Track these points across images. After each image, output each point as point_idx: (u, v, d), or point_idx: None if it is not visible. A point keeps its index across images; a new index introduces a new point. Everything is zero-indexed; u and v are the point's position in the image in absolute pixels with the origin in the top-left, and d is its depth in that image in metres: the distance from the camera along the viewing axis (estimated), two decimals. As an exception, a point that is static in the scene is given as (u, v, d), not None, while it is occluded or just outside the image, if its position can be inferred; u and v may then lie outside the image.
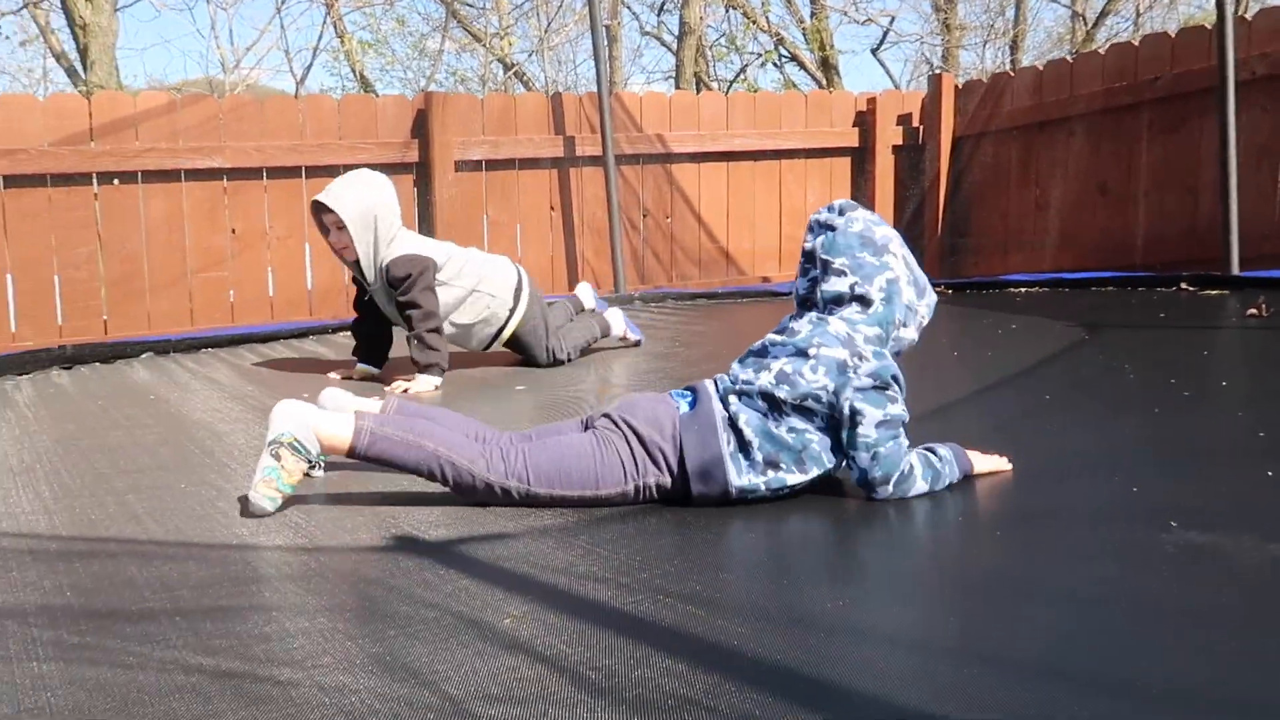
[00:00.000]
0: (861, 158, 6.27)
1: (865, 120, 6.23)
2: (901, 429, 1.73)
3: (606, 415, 1.79)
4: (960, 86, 6.21)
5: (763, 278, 6.11)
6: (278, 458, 1.71)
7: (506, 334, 3.33)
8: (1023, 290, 4.96)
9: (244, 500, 1.75)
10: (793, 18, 11.01)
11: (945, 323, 4.39)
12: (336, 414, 1.78)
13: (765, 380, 1.72)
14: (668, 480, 1.72)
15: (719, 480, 1.69)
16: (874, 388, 1.70)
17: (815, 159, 6.21)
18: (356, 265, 3.14)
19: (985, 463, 1.87)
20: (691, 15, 9.37)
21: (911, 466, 1.72)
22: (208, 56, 20.27)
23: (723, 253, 6.05)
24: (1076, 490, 1.78)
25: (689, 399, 1.80)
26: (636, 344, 3.81)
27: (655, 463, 1.72)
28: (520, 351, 3.41)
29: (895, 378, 1.73)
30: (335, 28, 10.63)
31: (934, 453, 1.79)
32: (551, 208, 5.65)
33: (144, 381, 3.32)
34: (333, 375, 3.30)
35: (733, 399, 1.73)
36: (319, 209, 3.11)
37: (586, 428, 1.83)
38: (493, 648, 1.17)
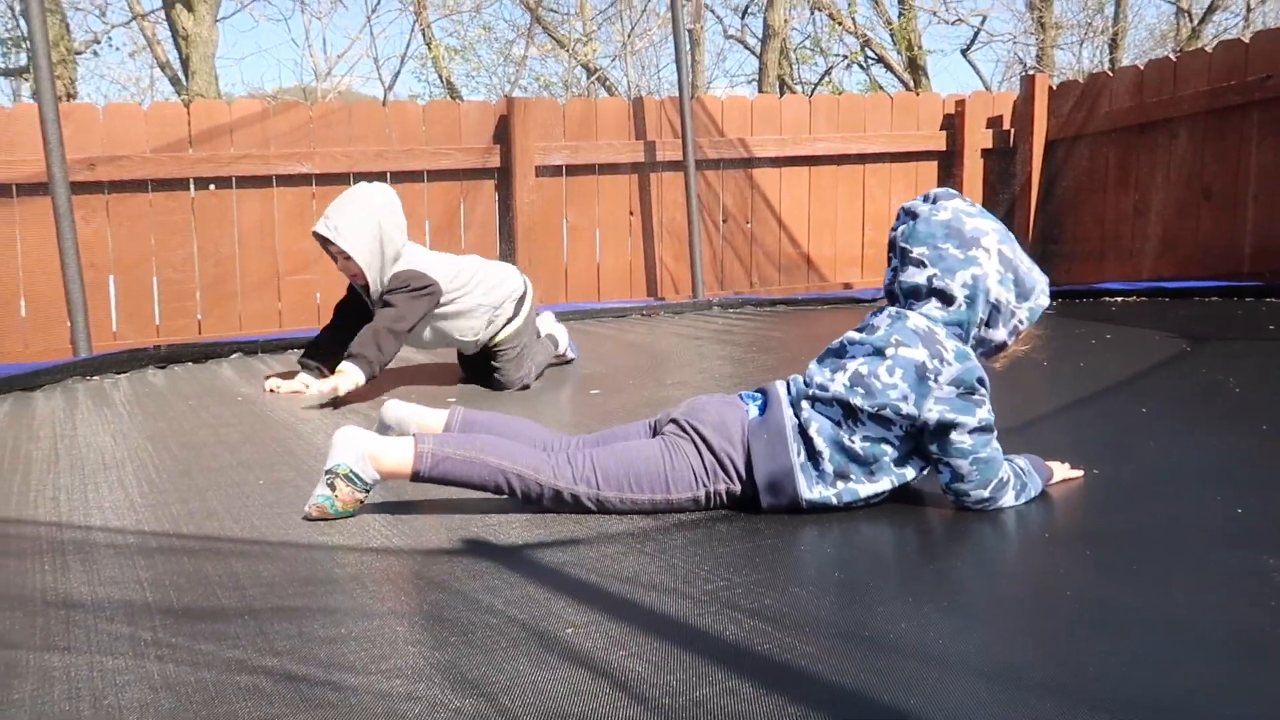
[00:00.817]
0: (949, 161, 6.12)
1: (953, 123, 6.07)
2: (993, 434, 1.65)
3: (674, 420, 1.76)
4: (1055, 87, 6.00)
5: (844, 284, 6.00)
6: (332, 487, 1.71)
7: (495, 340, 3.14)
8: (1119, 299, 4.76)
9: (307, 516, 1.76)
10: (880, 19, 10.83)
11: (1034, 331, 4.24)
12: (397, 440, 1.74)
13: (840, 384, 1.65)
14: (737, 487, 1.68)
15: (788, 492, 1.64)
16: (960, 395, 1.62)
17: (900, 163, 6.07)
18: (365, 288, 3.04)
19: (1060, 472, 1.79)
20: (776, 18, 9.28)
21: (1007, 474, 1.65)
22: (302, 65, 20.96)
23: (804, 258, 5.97)
24: (1175, 510, 1.67)
25: (759, 401, 1.75)
26: (569, 361, 3.60)
27: (724, 470, 1.68)
28: (494, 363, 3.13)
29: (981, 380, 1.65)
30: (423, 35, 10.86)
31: (1015, 463, 1.71)
32: (631, 212, 5.65)
33: (232, 381, 3.42)
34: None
35: (804, 405, 1.68)
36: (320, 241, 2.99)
37: (655, 432, 1.80)
38: (553, 658, 1.15)
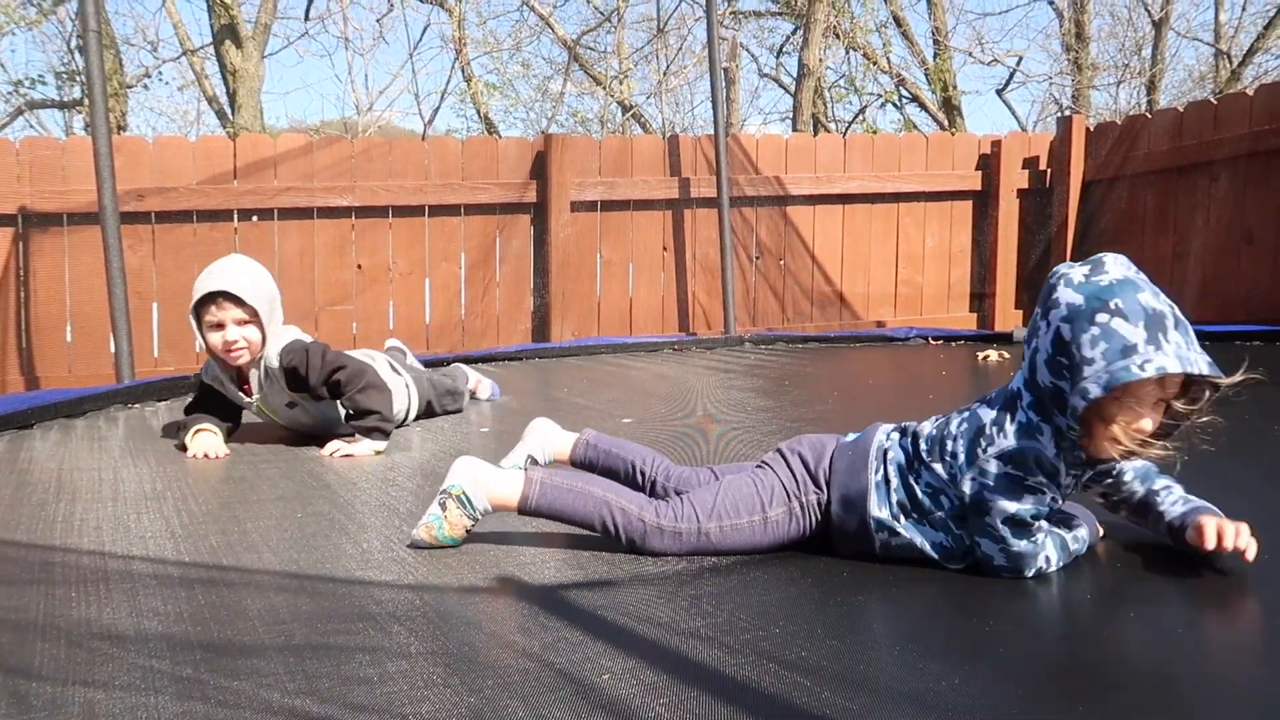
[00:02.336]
0: (984, 201, 6.11)
1: (989, 163, 6.07)
2: (1042, 525, 1.56)
3: (776, 449, 1.81)
4: (1092, 129, 5.98)
5: (877, 322, 5.98)
6: (444, 507, 1.75)
7: (413, 414, 3.10)
8: (1158, 342, 4.69)
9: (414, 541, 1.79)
10: (914, 58, 10.86)
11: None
12: (511, 472, 1.79)
13: (928, 423, 1.68)
14: (825, 494, 1.70)
15: (858, 508, 1.65)
16: (1006, 473, 1.52)
17: (935, 202, 6.07)
18: (237, 371, 2.74)
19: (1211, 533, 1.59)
20: (811, 57, 9.35)
21: (1047, 559, 1.57)
22: (344, 99, 21.37)
23: (837, 295, 5.96)
24: (1215, 564, 1.64)
25: (858, 436, 1.77)
26: (489, 400, 3.55)
27: (814, 481, 1.71)
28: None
29: (1039, 462, 1.51)
30: (463, 72, 11.04)
31: (1070, 529, 1.63)
32: (665, 248, 5.68)
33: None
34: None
35: (894, 435, 1.71)
36: (208, 302, 2.63)
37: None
38: (588, 706, 1.15)
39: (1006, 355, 4.51)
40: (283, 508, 2.12)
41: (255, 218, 4.96)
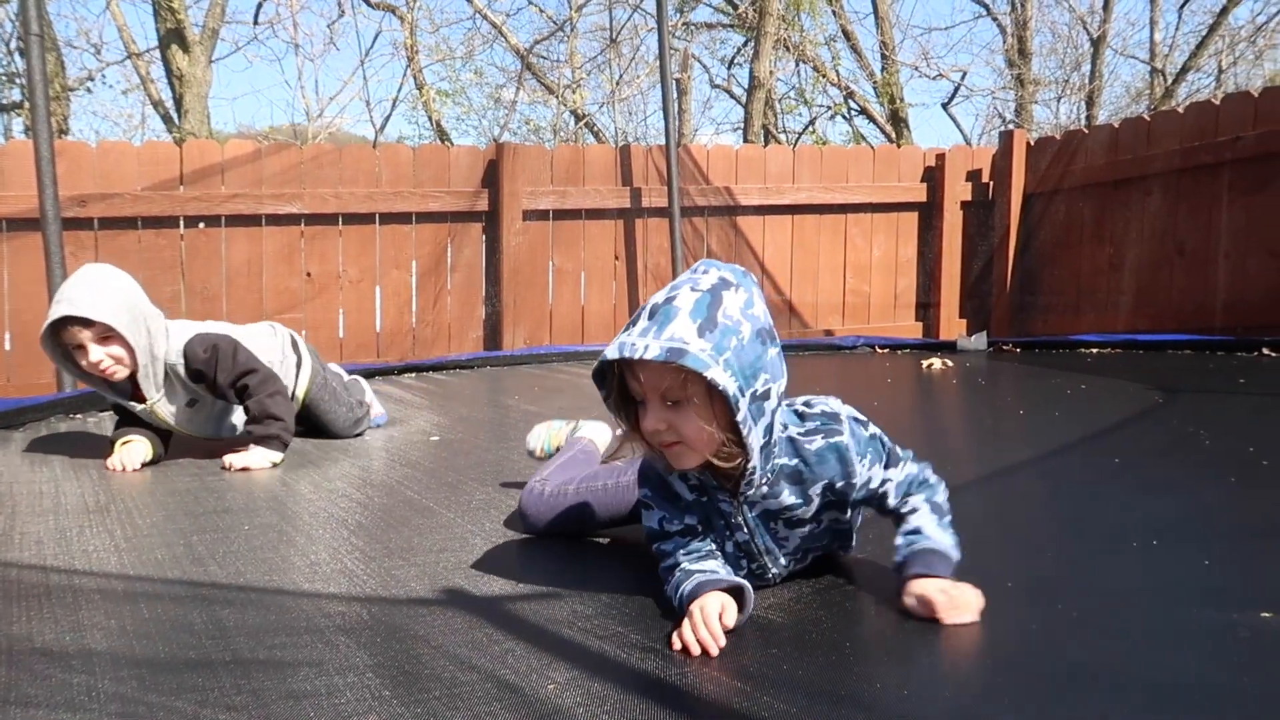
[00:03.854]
0: (929, 213, 6.23)
1: (934, 175, 6.20)
2: (664, 548, 1.55)
3: None
4: (1033, 143, 6.14)
5: (825, 330, 6.07)
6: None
7: (304, 394, 2.97)
8: (1094, 350, 4.84)
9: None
10: (863, 71, 11.05)
11: (1011, 381, 4.32)
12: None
13: None
14: None
15: None
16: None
17: (882, 213, 6.19)
18: (128, 380, 2.64)
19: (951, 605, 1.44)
20: (761, 69, 9.46)
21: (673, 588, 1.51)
22: (294, 105, 21.13)
23: (786, 304, 6.04)
24: (1144, 565, 1.71)
25: None
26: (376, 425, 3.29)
27: None
28: (318, 416, 3.01)
29: (646, 477, 1.58)
30: (415, 79, 10.99)
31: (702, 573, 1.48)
32: (616, 257, 5.72)
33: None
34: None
35: None
36: (60, 329, 2.53)
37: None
38: (533, 716, 1.17)
39: (950, 363, 4.62)
40: (229, 520, 2.11)
41: (202, 224, 4.90)
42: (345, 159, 5.18)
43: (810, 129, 12.30)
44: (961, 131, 13.45)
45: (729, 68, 12.66)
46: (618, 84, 10.55)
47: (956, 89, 12.11)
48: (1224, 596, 1.53)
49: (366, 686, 1.25)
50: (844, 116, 12.05)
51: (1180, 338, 4.75)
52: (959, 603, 1.44)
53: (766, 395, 1.37)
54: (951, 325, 6.19)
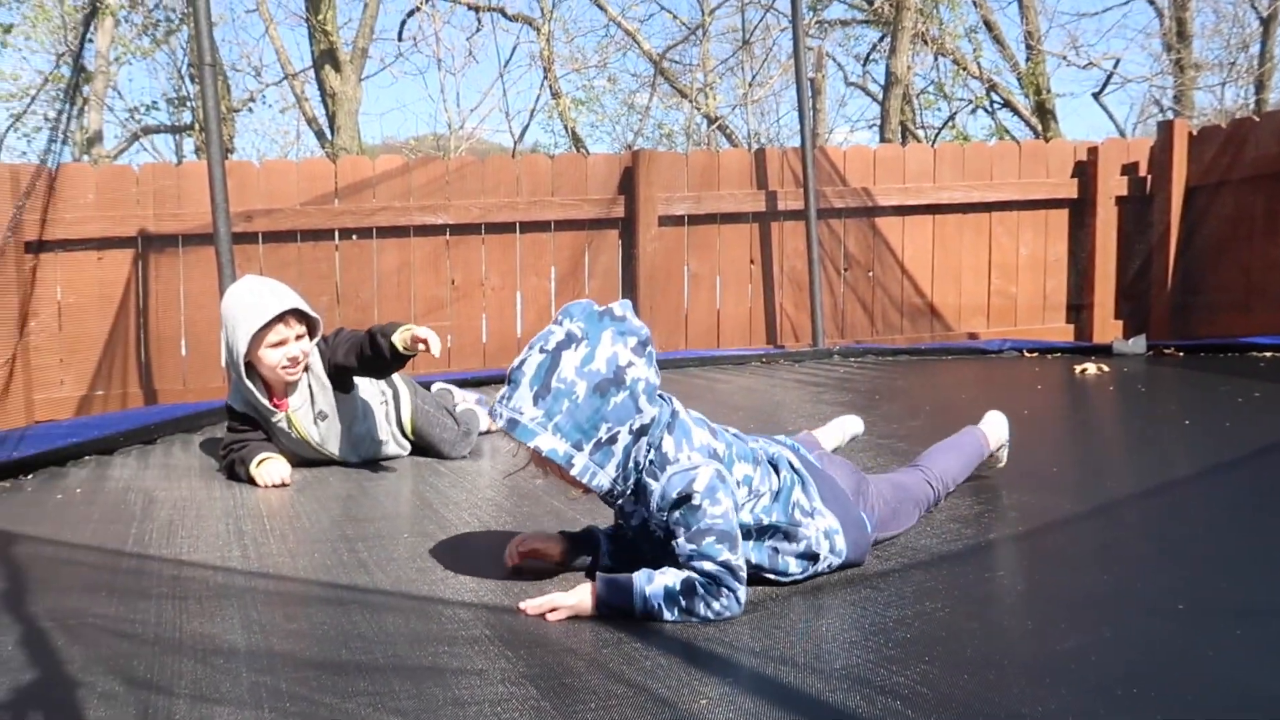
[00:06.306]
0: (1081, 210, 5.95)
1: (1085, 170, 5.91)
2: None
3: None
4: (1195, 133, 5.77)
5: (969, 333, 5.88)
6: None
7: (407, 421, 2.95)
8: (1268, 354, 4.51)
9: None
10: (1006, 63, 10.62)
11: (1173, 387, 4.06)
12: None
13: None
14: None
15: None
16: None
17: (1029, 211, 5.94)
18: (267, 388, 2.76)
19: None
20: (898, 65, 9.23)
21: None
22: (436, 117, 21.98)
23: (928, 307, 5.88)
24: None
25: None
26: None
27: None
28: (427, 440, 2.96)
29: None
30: (551, 89, 11.24)
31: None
32: (752, 260, 5.70)
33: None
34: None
35: None
36: (274, 323, 2.65)
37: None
38: (688, 733, 1.19)
39: (1106, 368, 4.39)
40: (390, 527, 2.22)
41: (355, 236, 5.16)
42: (487, 170, 5.36)
43: (950, 124, 11.91)
44: (1115, 122, 12.78)
45: (864, 64, 12.42)
46: (750, 85, 10.51)
47: (1109, 77, 11.50)
48: None
49: (528, 698, 1.30)
50: (986, 110, 11.61)
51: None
52: (555, 601, 1.59)
53: (614, 439, 1.57)
54: (1106, 327, 5.88)
